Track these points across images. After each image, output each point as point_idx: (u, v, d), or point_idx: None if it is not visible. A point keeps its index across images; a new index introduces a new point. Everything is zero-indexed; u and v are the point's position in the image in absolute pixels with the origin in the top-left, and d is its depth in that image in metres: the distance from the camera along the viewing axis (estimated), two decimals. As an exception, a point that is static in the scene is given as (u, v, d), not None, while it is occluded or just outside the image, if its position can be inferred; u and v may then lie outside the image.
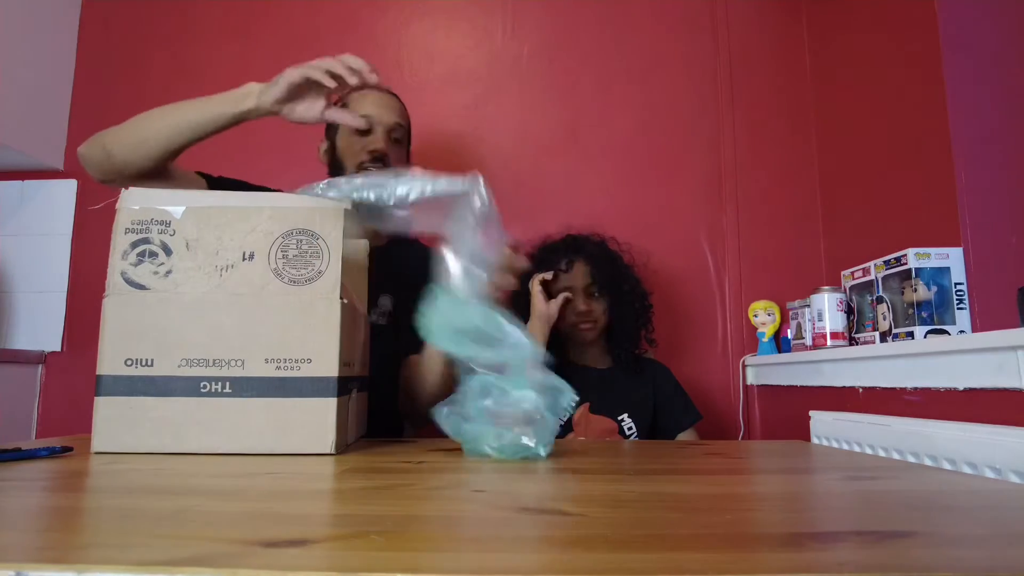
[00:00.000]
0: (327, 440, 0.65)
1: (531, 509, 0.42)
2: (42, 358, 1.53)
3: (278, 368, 0.65)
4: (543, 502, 0.45)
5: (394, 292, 1.06)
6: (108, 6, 1.66)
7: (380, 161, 1.04)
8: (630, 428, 1.06)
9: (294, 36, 1.62)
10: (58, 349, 1.53)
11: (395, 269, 1.07)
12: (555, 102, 1.58)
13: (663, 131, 1.55)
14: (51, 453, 0.63)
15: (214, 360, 0.65)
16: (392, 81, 1.58)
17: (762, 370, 1.43)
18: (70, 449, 0.65)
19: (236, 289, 0.67)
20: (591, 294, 1.10)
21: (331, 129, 1.08)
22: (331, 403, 0.65)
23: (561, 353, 1.15)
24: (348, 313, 0.69)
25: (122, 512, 0.40)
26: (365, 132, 1.03)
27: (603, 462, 0.69)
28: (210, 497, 0.44)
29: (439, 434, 0.67)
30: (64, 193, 1.58)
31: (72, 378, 1.52)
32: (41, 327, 1.54)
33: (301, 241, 0.68)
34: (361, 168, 1.03)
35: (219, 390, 0.65)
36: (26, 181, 1.59)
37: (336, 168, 1.05)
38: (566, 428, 1.07)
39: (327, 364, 0.66)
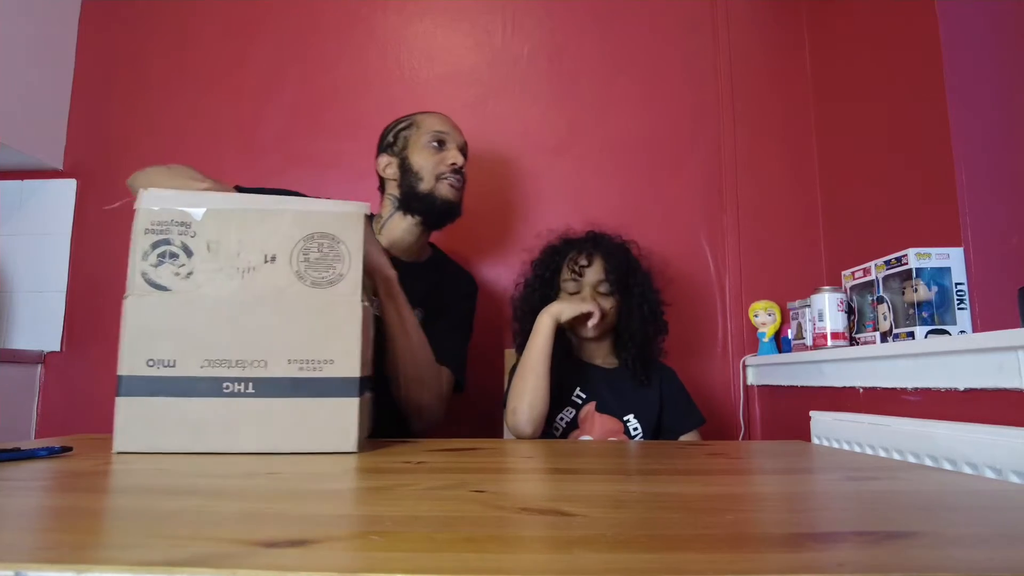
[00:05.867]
0: (350, 439, 0.66)
1: (531, 509, 0.42)
2: (41, 358, 1.53)
3: (301, 369, 0.66)
4: (543, 502, 0.45)
5: (425, 307, 1.11)
6: (108, 6, 1.66)
7: (459, 173, 1.14)
8: (635, 429, 1.06)
9: (294, 36, 1.62)
10: (57, 349, 1.53)
11: (430, 287, 1.13)
12: (555, 102, 1.58)
13: (663, 131, 1.55)
14: (51, 453, 0.63)
15: (237, 361, 0.65)
16: (392, 81, 1.59)
17: (762, 370, 1.43)
18: (70, 449, 0.65)
19: (259, 291, 0.67)
20: (600, 291, 1.10)
21: (395, 146, 1.15)
22: (353, 403, 0.66)
23: (568, 349, 1.15)
24: (367, 315, 0.70)
25: (122, 512, 0.40)
26: (440, 147, 1.13)
27: (603, 462, 0.69)
28: (210, 497, 0.44)
29: (440, 434, 0.67)
30: (64, 193, 1.58)
31: (71, 378, 1.52)
32: (40, 327, 1.54)
33: (322, 244, 0.69)
34: (441, 179, 1.11)
35: (242, 390, 0.65)
36: (26, 181, 1.59)
37: (409, 181, 1.12)
38: (571, 426, 1.07)
39: (349, 365, 0.67)
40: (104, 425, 1.46)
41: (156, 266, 0.66)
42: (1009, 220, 0.88)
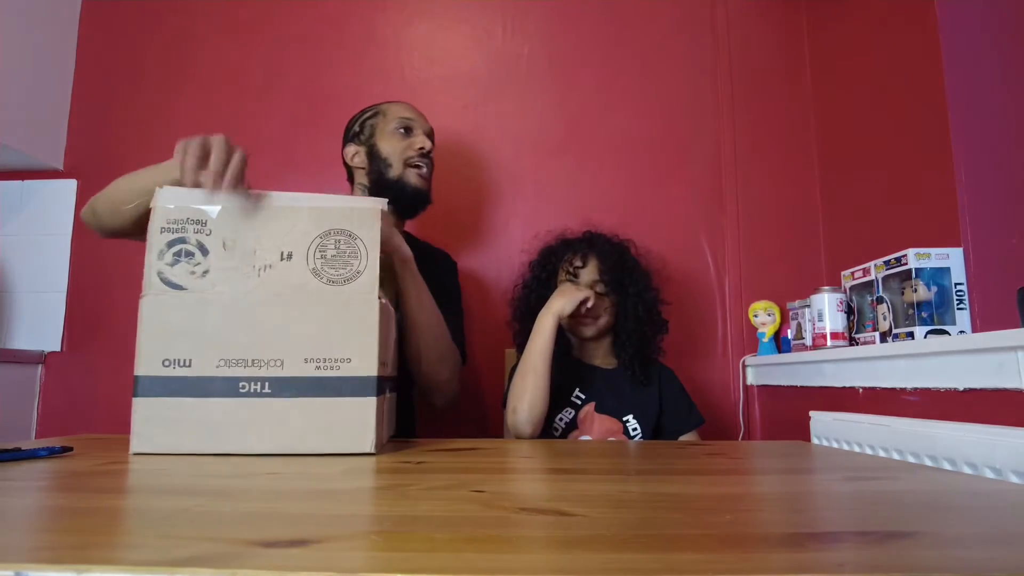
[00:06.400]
0: (367, 439, 0.65)
1: (531, 509, 0.42)
2: (42, 358, 1.53)
3: (317, 368, 0.65)
4: (543, 502, 0.45)
5: None
6: (108, 6, 1.66)
7: (427, 157, 1.14)
8: (635, 430, 1.06)
9: (294, 36, 1.62)
10: (58, 349, 1.53)
11: None
12: (555, 102, 1.58)
13: (663, 131, 1.55)
14: (51, 453, 0.63)
15: (253, 360, 0.65)
16: (392, 81, 1.59)
17: (762, 370, 1.42)
18: (70, 449, 0.65)
19: (275, 289, 0.67)
20: (596, 291, 1.10)
21: (361, 135, 1.15)
22: (371, 402, 0.65)
23: (567, 349, 1.15)
24: (384, 313, 0.70)
25: (122, 512, 0.40)
26: (407, 133, 1.13)
27: (603, 462, 0.69)
28: (210, 497, 0.44)
29: (441, 433, 0.68)
30: (64, 193, 1.58)
31: (72, 378, 1.52)
32: (41, 327, 1.54)
33: (339, 241, 0.68)
34: (410, 164, 1.12)
35: (258, 390, 0.64)
36: (26, 181, 1.59)
37: (378, 167, 1.12)
38: (571, 426, 1.07)
39: (366, 364, 0.66)
40: (104, 425, 1.46)
41: (172, 265, 0.66)
42: (1009, 220, 0.88)
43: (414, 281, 0.96)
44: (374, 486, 0.51)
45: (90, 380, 1.51)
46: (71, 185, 1.58)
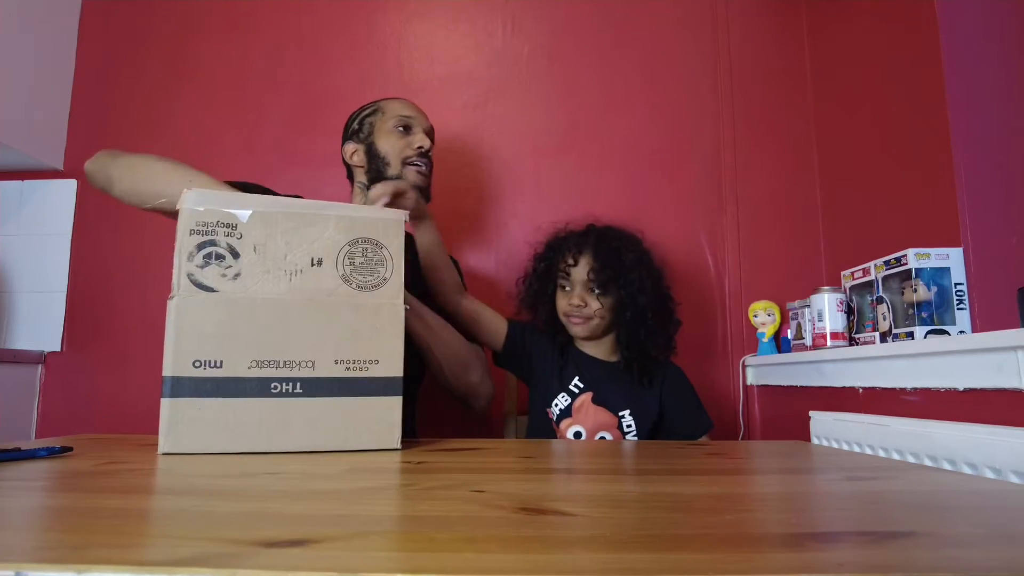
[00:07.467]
0: (393, 436, 0.69)
1: (531, 509, 0.42)
2: (42, 358, 1.53)
3: (347, 369, 0.68)
4: (543, 502, 0.45)
5: (415, 292, 1.13)
6: (108, 6, 1.66)
7: (426, 156, 1.13)
8: (629, 426, 1.05)
9: (294, 36, 1.62)
10: (58, 349, 1.53)
11: (414, 273, 1.16)
12: (555, 102, 1.58)
13: (663, 131, 1.56)
14: (51, 453, 0.63)
15: (285, 361, 0.67)
16: (392, 81, 1.59)
17: (762, 370, 1.42)
18: (70, 449, 0.66)
19: (307, 293, 0.69)
20: (589, 289, 1.08)
21: (360, 133, 1.14)
22: (397, 401, 0.69)
23: (569, 339, 1.13)
24: (406, 318, 0.73)
25: (122, 512, 0.40)
26: (406, 132, 1.12)
27: (603, 462, 0.69)
28: (210, 497, 0.44)
29: (440, 434, 0.68)
30: (64, 193, 1.58)
31: (72, 378, 1.52)
32: (41, 327, 1.54)
33: (367, 249, 0.71)
34: (408, 163, 1.10)
35: (290, 391, 0.67)
36: (26, 181, 1.59)
37: (376, 166, 1.11)
38: (565, 413, 1.06)
39: (393, 365, 0.70)
40: (104, 425, 1.46)
41: (202, 267, 0.66)
42: (1009, 220, 0.88)
43: (415, 308, 0.98)
44: (374, 486, 0.51)
45: (90, 380, 1.51)
46: (71, 185, 1.58)
